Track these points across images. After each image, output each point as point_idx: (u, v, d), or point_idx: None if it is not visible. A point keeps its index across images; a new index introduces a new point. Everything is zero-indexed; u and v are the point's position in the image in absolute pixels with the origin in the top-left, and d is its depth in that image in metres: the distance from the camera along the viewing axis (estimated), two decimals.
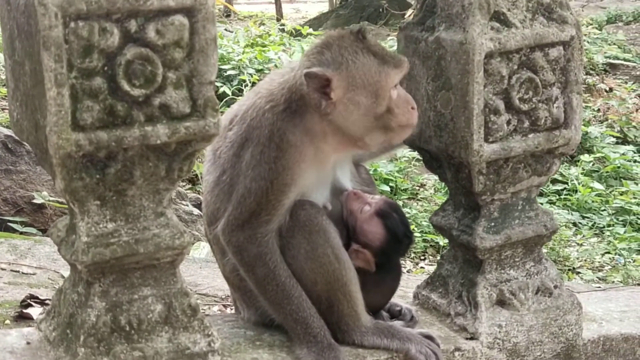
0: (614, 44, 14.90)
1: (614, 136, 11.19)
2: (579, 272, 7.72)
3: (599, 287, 6.40)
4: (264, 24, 16.94)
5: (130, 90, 2.74)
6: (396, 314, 3.54)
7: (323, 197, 3.37)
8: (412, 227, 3.66)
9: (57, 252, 5.15)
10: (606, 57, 13.94)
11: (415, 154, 9.83)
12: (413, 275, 6.77)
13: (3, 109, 9.15)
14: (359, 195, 3.42)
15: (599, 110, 12.15)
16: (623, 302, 4.12)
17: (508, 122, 3.36)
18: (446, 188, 9.06)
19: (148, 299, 2.95)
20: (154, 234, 2.91)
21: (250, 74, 10.59)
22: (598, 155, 10.53)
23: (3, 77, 10.06)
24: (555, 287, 3.61)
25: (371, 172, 4.49)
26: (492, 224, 3.50)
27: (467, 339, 3.47)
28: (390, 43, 12.85)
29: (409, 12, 14.58)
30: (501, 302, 3.52)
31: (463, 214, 3.57)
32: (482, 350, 3.45)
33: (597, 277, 7.65)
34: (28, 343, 3.08)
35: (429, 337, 3.35)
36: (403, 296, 3.73)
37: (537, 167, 3.49)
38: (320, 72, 3.13)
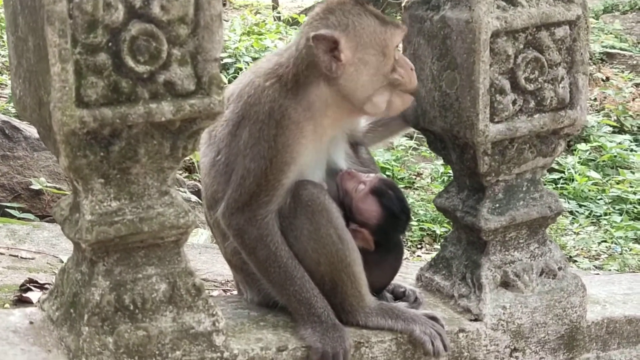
0: (611, 33, 14.90)
1: (610, 125, 11.20)
2: (575, 261, 7.73)
3: (597, 274, 6.40)
4: (259, 13, 16.88)
5: (135, 66, 2.71)
6: (400, 296, 3.52)
7: (319, 177, 3.34)
8: None
9: (56, 237, 5.18)
10: (603, 47, 13.93)
11: (412, 143, 9.85)
12: (411, 262, 6.76)
13: None
14: (353, 174, 3.40)
15: (595, 99, 12.16)
16: (626, 285, 4.12)
17: (514, 102, 3.34)
18: (443, 177, 9.17)
19: (152, 278, 2.92)
20: (158, 213, 2.88)
21: (246, 62, 10.57)
22: (595, 144, 10.54)
23: None
24: (560, 269, 3.59)
25: None
26: (497, 205, 3.48)
27: (471, 320, 3.45)
28: None
29: (405, 0, 14.49)
30: (505, 284, 3.51)
31: (467, 196, 3.54)
32: (486, 332, 3.43)
33: (594, 266, 7.67)
34: (31, 322, 3.06)
35: (434, 318, 3.34)
36: (403, 281, 3.70)
37: (542, 147, 3.47)
38: (328, 33, 3.12)
